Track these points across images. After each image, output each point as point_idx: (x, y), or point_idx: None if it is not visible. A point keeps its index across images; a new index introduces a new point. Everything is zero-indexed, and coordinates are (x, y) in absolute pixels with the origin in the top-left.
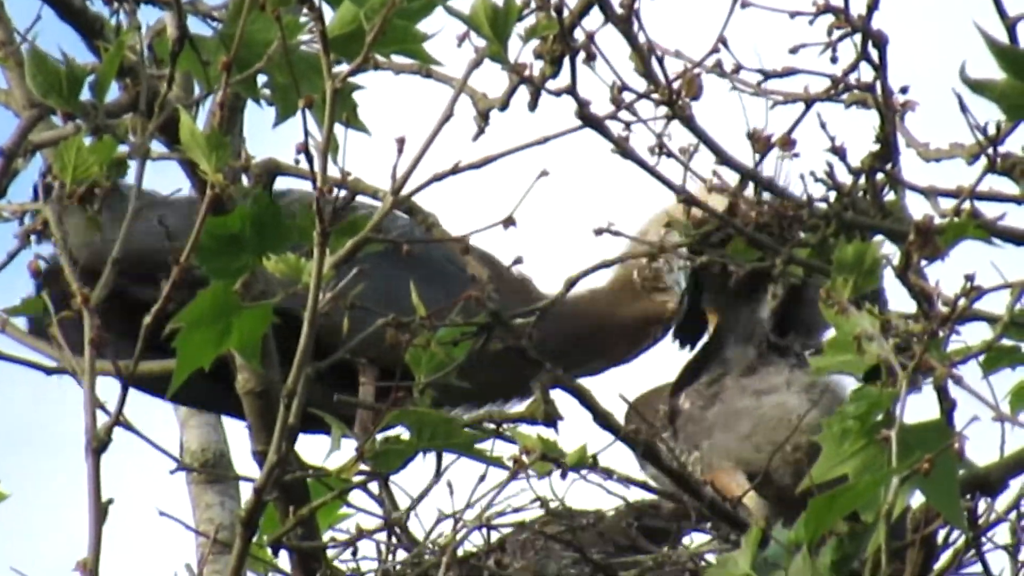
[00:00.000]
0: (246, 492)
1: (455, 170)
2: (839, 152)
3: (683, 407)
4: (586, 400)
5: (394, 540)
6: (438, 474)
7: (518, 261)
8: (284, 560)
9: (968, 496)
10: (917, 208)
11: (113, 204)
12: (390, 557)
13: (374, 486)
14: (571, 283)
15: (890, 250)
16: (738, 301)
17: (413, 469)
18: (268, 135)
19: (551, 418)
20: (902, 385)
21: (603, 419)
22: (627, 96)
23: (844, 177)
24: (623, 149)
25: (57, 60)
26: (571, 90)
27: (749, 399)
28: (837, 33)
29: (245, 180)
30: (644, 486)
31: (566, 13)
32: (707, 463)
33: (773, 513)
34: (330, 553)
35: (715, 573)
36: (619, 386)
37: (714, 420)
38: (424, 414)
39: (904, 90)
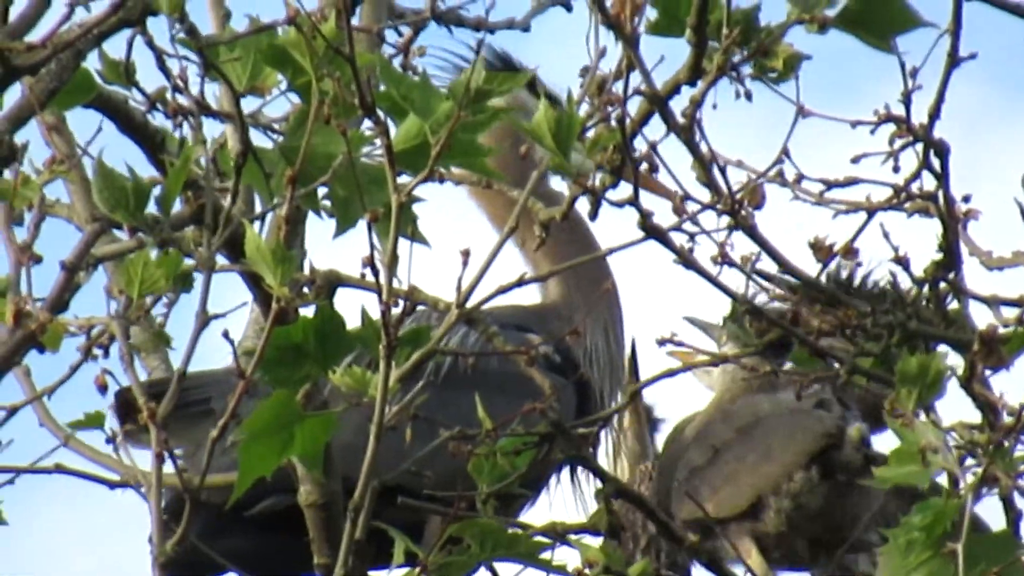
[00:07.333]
0: None
1: (521, 282)
2: (902, 262)
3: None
4: (647, 509)
5: None
6: None
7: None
8: None
9: None
10: (980, 317)
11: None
12: None
13: None
14: (634, 393)
15: (954, 360)
16: None
17: None
18: (324, 243)
19: (614, 529)
20: (967, 496)
21: (665, 528)
22: (690, 206)
23: (907, 286)
24: (687, 260)
25: (122, 175)
26: (634, 201)
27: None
28: (899, 142)
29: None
30: None
31: (627, 123)
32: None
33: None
34: None
35: None
36: None
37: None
38: (487, 525)
39: (966, 199)
